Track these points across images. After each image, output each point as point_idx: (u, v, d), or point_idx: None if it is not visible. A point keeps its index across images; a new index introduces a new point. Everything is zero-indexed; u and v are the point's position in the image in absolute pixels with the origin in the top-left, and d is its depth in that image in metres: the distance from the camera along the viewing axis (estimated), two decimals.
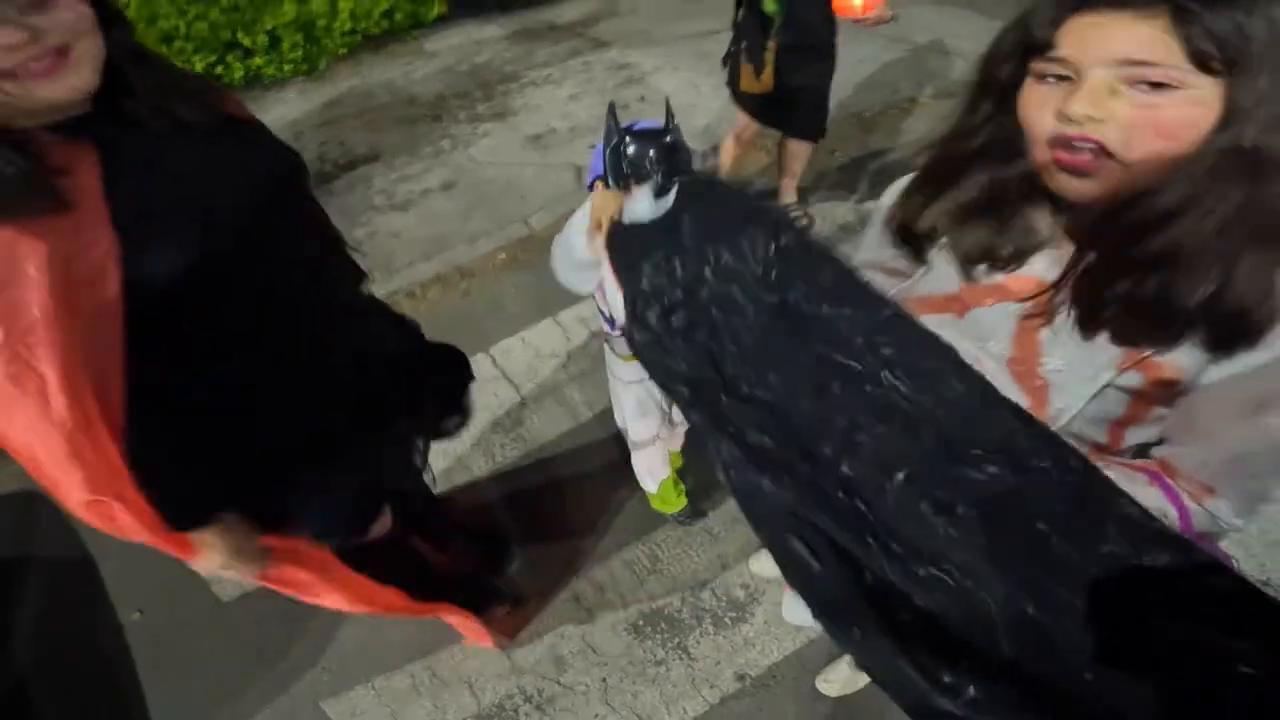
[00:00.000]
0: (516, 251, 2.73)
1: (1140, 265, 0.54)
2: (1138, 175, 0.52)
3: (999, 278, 0.66)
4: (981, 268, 0.66)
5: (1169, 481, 0.61)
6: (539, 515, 1.78)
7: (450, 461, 1.92)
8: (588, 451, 1.92)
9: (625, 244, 0.49)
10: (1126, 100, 0.50)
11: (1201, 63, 0.48)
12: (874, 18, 2.07)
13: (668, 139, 1.17)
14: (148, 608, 1.62)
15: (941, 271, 0.70)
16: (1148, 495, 0.60)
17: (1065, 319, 0.61)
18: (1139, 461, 0.64)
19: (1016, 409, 0.42)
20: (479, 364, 2.21)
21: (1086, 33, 0.51)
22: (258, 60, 4.13)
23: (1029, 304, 0.64)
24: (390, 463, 1.07)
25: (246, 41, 4.01)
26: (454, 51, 4.74)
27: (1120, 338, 0.57)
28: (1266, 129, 0.49)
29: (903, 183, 0.73)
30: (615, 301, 0.43)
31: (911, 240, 0.72)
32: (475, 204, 3.02)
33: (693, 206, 0.46)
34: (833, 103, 2.55)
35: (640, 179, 1.17)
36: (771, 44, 2.15)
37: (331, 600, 1.04)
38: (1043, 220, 0.63)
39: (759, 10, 2.13)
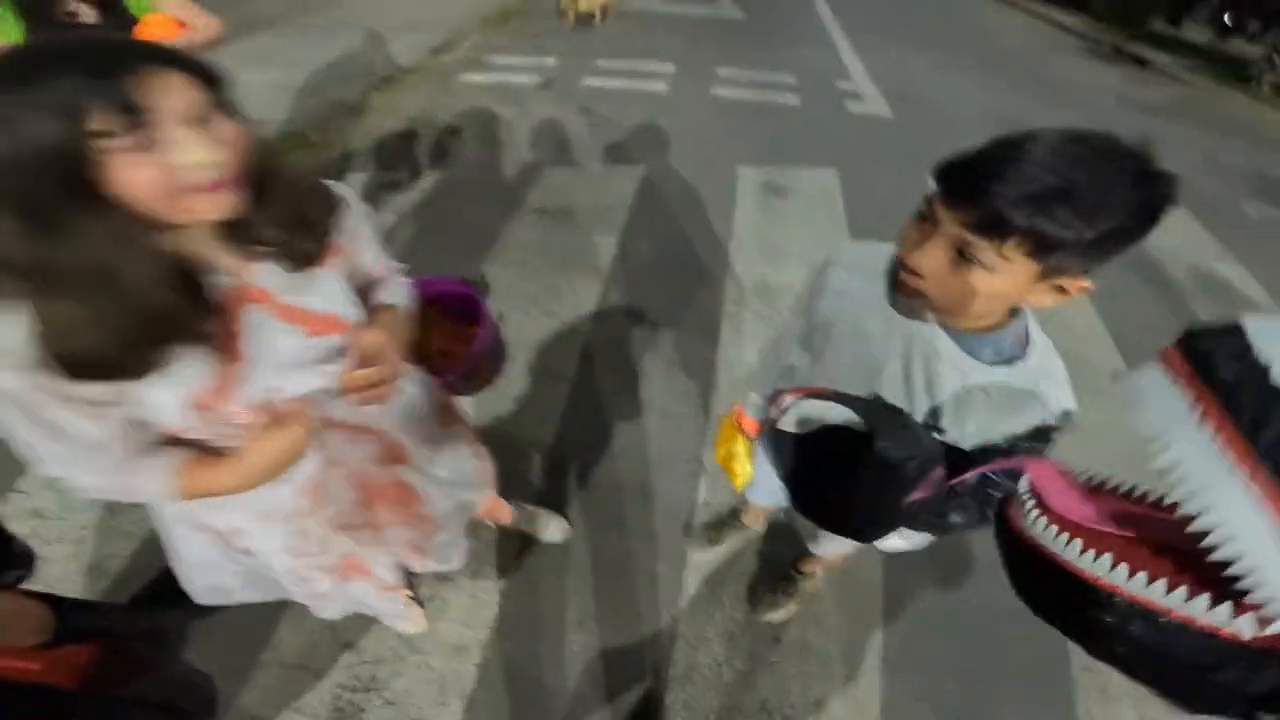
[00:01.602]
0: None
1: (280, 225, 0.74)
2: (243, 181, 0.66)
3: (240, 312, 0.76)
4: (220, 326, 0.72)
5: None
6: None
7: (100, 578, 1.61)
8: None
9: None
10: (208, 134, 0.60)
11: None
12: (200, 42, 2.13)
13: None
14: None
15: (193, 364, 0.70)
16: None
17: (279, 282, 0.76)
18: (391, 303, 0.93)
19: None
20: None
21: (159, 99, 0.56)
22: None
23: (269, 302, 0.76)
24: None
25: None
26: None
27: (300, 262, 0.77)
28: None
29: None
30: None
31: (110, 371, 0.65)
32: None
33: None
34: (312, 102, 2.62)
35: None
36: None
37: None
38: (212, 257, 0.72)
39: None
